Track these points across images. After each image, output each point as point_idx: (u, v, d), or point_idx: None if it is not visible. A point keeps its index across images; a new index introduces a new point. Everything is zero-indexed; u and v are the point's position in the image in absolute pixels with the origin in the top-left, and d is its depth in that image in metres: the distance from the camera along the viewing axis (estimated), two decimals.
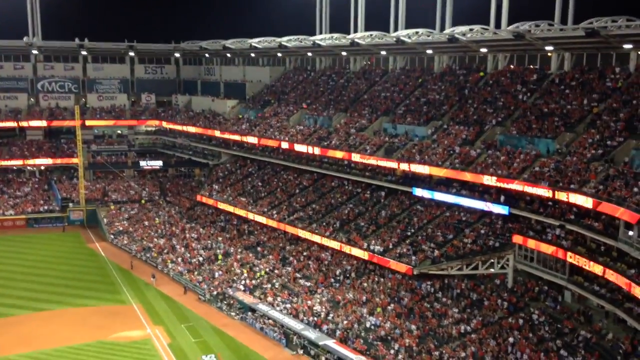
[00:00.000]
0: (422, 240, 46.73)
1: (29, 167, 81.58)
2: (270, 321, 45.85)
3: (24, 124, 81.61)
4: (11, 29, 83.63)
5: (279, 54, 78.76)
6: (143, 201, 77.37)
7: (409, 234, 48.45)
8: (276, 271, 53.57)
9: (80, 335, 44.54)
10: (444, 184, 47.99)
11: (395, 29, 62.40)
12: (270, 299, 48.97)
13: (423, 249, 45.60)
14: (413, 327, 40.91)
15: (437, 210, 49.68)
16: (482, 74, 56.08)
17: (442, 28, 57.72)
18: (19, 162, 79.73)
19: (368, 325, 42.52)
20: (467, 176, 44.60)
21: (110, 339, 44.17)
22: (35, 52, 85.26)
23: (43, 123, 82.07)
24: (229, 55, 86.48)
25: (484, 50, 54.33)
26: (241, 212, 63.50)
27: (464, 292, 42.96)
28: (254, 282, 52.33)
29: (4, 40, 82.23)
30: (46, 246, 66.76)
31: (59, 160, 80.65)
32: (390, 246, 47.54)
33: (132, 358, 41.56)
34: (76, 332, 44.99)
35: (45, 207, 75.11)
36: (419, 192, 49.23)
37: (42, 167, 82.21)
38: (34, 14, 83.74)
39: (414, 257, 44.84)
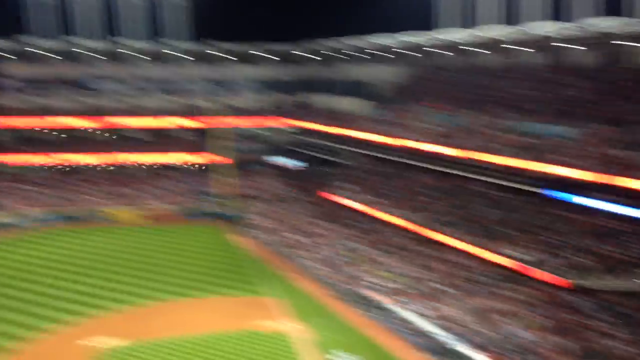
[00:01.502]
0: (577, 251, 43.08)
1: (184, 165, 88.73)
2: (411, 325, 44.97)
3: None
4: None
5: (411, 53, 77.48)
6: (283, 199, 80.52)
7: (560, 243, 44.90)
8: (414, 275, 52.62)
9: (223, 323, 47.06)
10: (600, 190, 43.84)
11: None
12: (407, 301, 48.09)
13: (578, 260, 42.11)
14: (568, 344, 37.88)
15: (593, 219, 45.54)
16: None
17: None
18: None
19: (518, 340, 39.97)
20: (623, 181, 40.26)
21: (251, 329, 46.02)
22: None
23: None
24: (363, 55, 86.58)
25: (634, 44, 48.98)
26: (376, 213, 63.17)
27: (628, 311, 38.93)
28: (391, 284, 51.80)
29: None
30: (197, 238, 72.29)
31: (207, 158, 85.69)
32: (538, 255, 44.47)
33: (271, 349, 43.00)
34: (220, 320, 47.67)
35: (197, 202, 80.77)
36: (572, 198, 45.63)
37: (196, 165, 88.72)
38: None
39: (565, 268, 41.57)
